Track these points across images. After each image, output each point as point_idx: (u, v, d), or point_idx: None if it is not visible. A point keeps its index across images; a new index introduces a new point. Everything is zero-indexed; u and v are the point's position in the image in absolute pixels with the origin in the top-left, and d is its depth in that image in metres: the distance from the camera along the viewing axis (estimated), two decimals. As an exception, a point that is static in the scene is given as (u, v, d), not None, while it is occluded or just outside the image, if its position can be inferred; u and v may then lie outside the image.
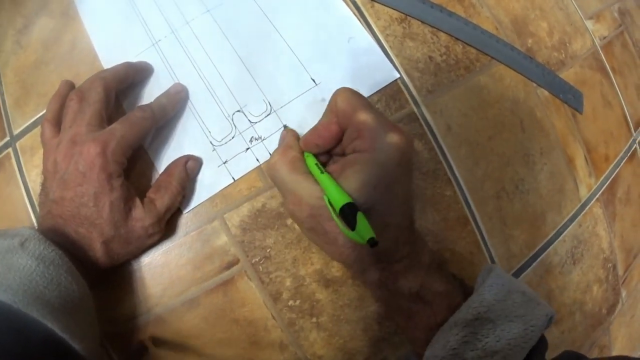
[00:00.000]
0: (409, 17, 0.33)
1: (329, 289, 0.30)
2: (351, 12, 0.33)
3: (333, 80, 0.31)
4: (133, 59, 0.32)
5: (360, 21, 0.32)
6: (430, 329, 0.23)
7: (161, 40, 0.33)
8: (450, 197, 0.31)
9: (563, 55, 0.40)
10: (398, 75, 0.32)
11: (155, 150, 0.31)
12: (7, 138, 0.33)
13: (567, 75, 0.40)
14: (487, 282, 0.23)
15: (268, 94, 0.31)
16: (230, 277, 0.30)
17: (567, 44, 0.41)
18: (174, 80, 0.32)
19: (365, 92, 0.31)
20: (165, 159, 0.31)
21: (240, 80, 0.32)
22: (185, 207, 0.30)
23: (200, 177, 0.30)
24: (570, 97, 0.39)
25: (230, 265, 0.30)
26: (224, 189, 0.30)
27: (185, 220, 0.30)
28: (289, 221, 0.30)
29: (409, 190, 0.24)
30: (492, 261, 0.32)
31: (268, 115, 0.31)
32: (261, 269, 0.30)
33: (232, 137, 0.31)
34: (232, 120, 0.31)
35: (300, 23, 0.33)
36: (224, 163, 0.31)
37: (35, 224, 0.31)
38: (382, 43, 0.32)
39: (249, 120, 0.31)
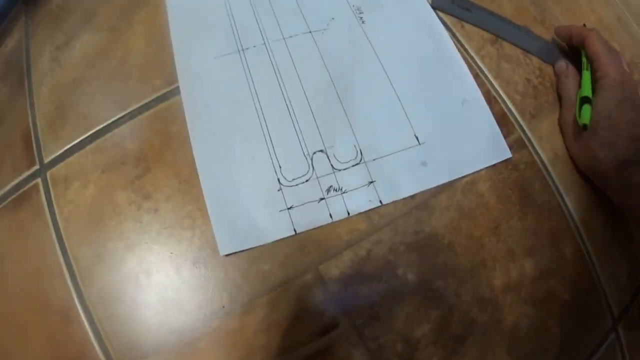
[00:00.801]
0: (499, 39, 0.30)
1: (447, 349, 0.25)
2: (469, 72, 0.29)
3: (438, 145, 0.27)
4: (211, 60, 0.28)
5: (454, 42, 0.29)
6: None
7: (249, 49, 0.29)
8: (565, 230, 0.28)
9: None
10: (510, 155, 0.28)
11: (208, 173, 0.25)
12: (37, 166, 0.28)
13: None
14: None
15: (361, 139, 0.27)
16: (327, 346, 0.24)
17: None
18: (252, 94, 0.27)
19: (472, 167, 0.27)
20: (218, 187, 0.25)
21: (332, 116, 0.27)
22: (224, 250, 0.24)
23: (254, 216, 0.25)
24: None
25: (326, 329, 0.24)
26: (284, 238, 0.25)
27: (269, 271, 0.24)
28: (401, 271, 0.25)
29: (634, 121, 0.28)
30: (605, 296, 0.29)
31: (356, 165, 0.26)
32: (367, 333, 0.24)
33: (306, 181, 0.26)
34: (311, 160, 0.26)
35: (412, 69, 0.29)
36: (288, 209, 0.25)
37: (66, 271, 0.25)
38: (479, 65, 0.29)
39: (332, 166, 0.26)
